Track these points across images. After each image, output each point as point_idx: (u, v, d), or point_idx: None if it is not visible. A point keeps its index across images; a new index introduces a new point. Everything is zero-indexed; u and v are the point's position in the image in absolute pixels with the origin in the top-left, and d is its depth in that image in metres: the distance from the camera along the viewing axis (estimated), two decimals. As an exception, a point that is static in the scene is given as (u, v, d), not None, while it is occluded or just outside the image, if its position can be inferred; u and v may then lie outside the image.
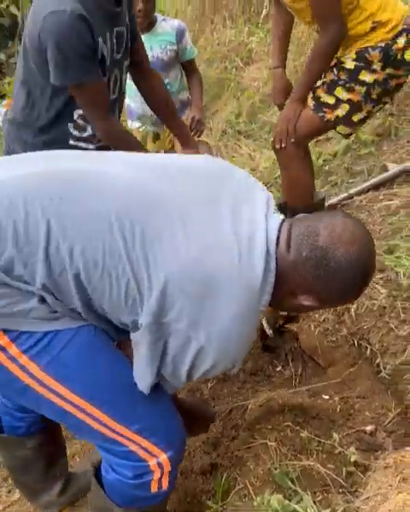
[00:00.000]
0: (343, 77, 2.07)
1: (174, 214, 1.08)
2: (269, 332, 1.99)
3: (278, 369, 2.04)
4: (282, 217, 1.20)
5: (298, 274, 1.11)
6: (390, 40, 2.01)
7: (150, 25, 2.46)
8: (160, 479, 1.24)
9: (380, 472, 1.43)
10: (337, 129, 2.22)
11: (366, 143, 3.18)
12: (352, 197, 2.77)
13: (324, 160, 3.23)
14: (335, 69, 2.12)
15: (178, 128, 2.12)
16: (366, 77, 2.04)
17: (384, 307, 1.93)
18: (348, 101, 2.09)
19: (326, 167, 3.21)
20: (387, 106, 3.11)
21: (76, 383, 1.14)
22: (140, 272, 1.06)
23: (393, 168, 2.82)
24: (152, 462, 1.21)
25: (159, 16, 2.55)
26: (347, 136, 2.33)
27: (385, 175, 2.80)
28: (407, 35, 2.03)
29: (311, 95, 2.15)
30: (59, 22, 1.52)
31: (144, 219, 1.07)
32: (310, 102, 2.14)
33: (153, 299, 1.05)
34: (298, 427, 1.66)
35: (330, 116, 2.13)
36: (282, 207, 2.43)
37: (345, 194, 2.78)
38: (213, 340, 1.08)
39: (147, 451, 1.20)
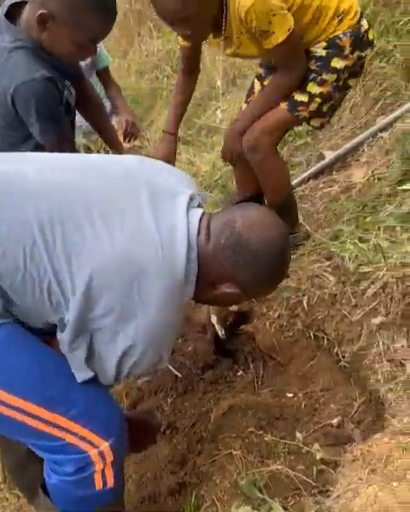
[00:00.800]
0: (314, 67, 2.03)
1: (94, 211, 1.10)
2: (221, 333, 1.92)
3: (239, 373, 1.96)
4: (201, 210, 1.23)
5: (219, 262, 1.17)
6: (357, 24, 2.01)
7: None
8: (102, 470, 1.18)
9: (348, 466, 1.37)
10: (311, 123, 2.20)
11: (301, 134, 3.16)
12: (294, 188, 2.73)
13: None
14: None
15: (111, 135, 2.20)
16: (339, 63, 2.03)
17: (335, 295, 1.88)
18: (320, 95, 2.07)
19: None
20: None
21: (2, 378, 1.10)
22: (62, 272, 1.07)
23: (329, 155, 2.80)
24: (92, 452, 1.15)
25: None
26: (319, 127, 2.27)
27: (323, 163, 2.77)
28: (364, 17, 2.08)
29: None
30: (33, 91, 1.63)
31: (65, 218, 1.08)
32: (283, 103, 2.08)
33: (78, 295, 1.07)
34: (262, 432, 1.58)
35: (305, 113, 2.09)
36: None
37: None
38: (139, 332, 1.09)
39: (86, 441, 1.15)
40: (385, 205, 2.17)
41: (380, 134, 2.70)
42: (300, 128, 3.20)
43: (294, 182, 2.77)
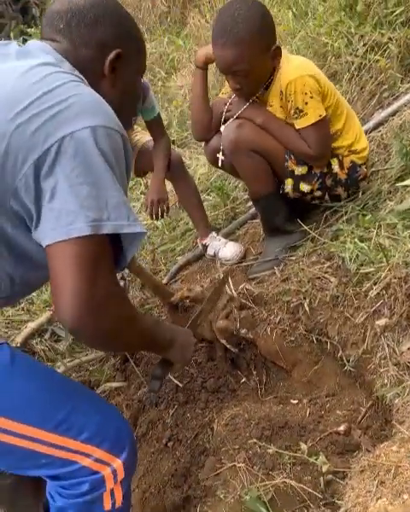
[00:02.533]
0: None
1: None
2: (234, 350, 1.87)
3: (241, 381, 1.91)
4: None
5: (81, 43, 1.15)
6: (360, 163, 2.15)
7: None
8: (112, 490, 1.15)
9: (357, 478, 1.31)
10: (286, 181, 2.15)
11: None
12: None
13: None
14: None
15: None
16: (328, 181, 2.13)
17: (337, 296, 1.82)
18: (310, 192, 2.14)
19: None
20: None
21: (8, 407, 1.05)
22: None
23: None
24: (106, 472, 1.13)
25: None
26: (288, 194, 2.20)
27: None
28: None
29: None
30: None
31: None
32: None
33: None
34: (266, 443, 1.52)
35: (291, 166, 2.10)
36: (259, 202, 2.29)
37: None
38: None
39: (100, 461, 1.13)
40: (385, 202, 2.11)
41: (377, 129, 2.64)
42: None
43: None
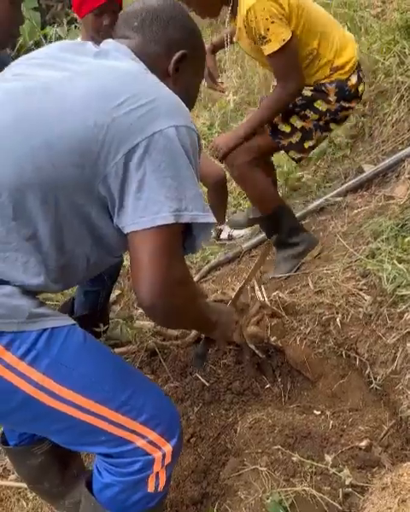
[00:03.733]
0: (298, 102, 2.21)
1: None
2: (262, 356, 1.91)
3: (266, 386, 1.95)
4: None
5: (150, 41, 1.23)
6: (346, 79, 2.21)
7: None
8: (157, 474, 1.20)
9: (377, 494, 1.35)
10: (289, 153, 2.35)
11: (341, 146, 3.13)
12: (329, 201, 2.71)
13: (299, 166, 3.17)
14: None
15: None
16: (321, 106, 2.22)
17: (370, 315, 1.86)
18: (302, 129, 2.26)
19: (302, 173, 3.15)
20: (359, 106, 3.10)
21: (81, 383, 1.11)
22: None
23: (369, 169, 2.76)
24: (157, 455, 1.18)
25: None
26: (298, 160, 2.42)
27: (362, 176, 2.74)
28: (358, 72, 2.27)
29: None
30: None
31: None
32: (267, 129, 2.27)
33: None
34: (289, 450, 1.57)
35: (284, 142, 2.28)
36: (262, 220, 2.49)
37: (322, 199, 2.72)
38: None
39: (152, 444, 1.18)
40: (426, 225, 2.14)
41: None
42: (339, 139, 3.18)
43: (331, 194, 2.75)
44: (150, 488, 1.21)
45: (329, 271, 2.17)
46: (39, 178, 1.05)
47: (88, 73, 1.12)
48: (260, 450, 1.61)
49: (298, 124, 2.26)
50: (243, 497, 1.48)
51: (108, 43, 1.25)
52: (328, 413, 1.79)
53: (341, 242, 2.29)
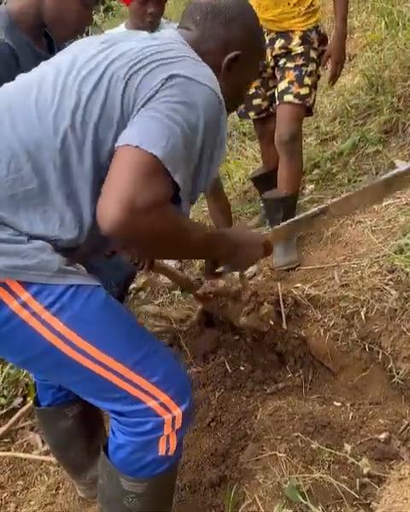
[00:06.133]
0: (300, 61, 2.50)
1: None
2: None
3: (287, 376, 1.97)
4: None
5: (209, 36, 1.25)
6: (317, 22, 2.54)
7: (156, 27, 2.45)
8: (168, 437, 1.23)
9: (395, 484, 1.37)
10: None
11: (373, 141, 3.11)
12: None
13: (330, 160, 3.16)
14: (288, 61, 2.52)
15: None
16: (312, 54, 2.52)
17: (395, 310, 1.87)
18: (313, 85, 2.57)
19: (333, 167, 3.14)
20: (393, 99, 3.10)
21: (99, 339, 1.13)
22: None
23: (401, 165, 2.74)
24: (167, 417, 1.20)
25: (162, 19, 2.53)
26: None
27: (393, 172, 2.72)
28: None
29: (290, 97, 2.50)
30: None
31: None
32: (294, 100, 2.49)
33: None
34: (308, 438, 1.59)
35: (310, 101, 2.54)
36: (285, 200, 2.57)
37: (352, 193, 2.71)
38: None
39: (163, 406, 1.20)
40: None
41: None
42: (371, 134, 3.17)
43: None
44: (161, 451, 1.23)
45: (356, 265, 2.18)
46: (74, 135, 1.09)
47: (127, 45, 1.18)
48: (279, 437, 1.63)
49: (309, 81, 2.51)
50: (261, 481, 1.51)
51: (166, 32, 1.29)
52: (348, 405, 1.80)
53: (369, 237, 2.29)
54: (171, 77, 1.08)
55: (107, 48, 1.17)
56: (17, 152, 1.08)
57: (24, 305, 1.07)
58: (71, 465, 1.75)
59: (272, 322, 1.96)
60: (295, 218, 1.60)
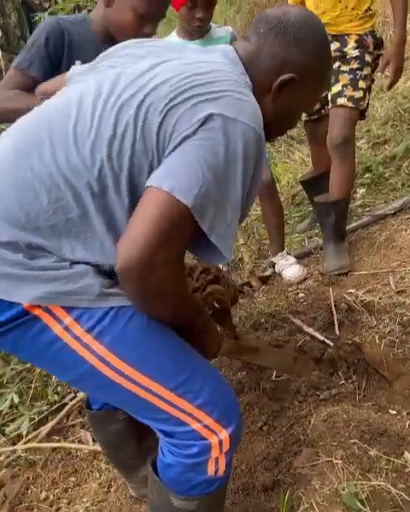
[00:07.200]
0: (355, 65, 2.53)
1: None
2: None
3: (340, 382, 1.96)
4: None
5: (266, 52, 1.20)
6: (373, 26, 2.57)
7: (205, 32, 2.47)
8: (216, 459, 1.22)
9: None
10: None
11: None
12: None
13: (382, 163, 3.12)
14: (343, 65, 2.55)
15: None
16: (368, 58, 2.54)
17: None
18: (368, 88, 2.59)
19: (385, 171, 3.10)
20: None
21: (140, 361, 1.13)
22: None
23: None
24: (213, 440, 1.19)
25: (212, 24, 2.55)
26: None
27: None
28: None
29: (344, 100, 2.52)
30: (42, 24, 1.81)
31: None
32: (348, 103, 2.52)
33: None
34: (366, 445, 1.57)
35: (364, 105, 2.56)
36: (337, 204, 2.56)
37: (407, 198, 2.67)
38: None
39: (208, 429, 1.19)
40: None
41: None
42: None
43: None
44: (210, 472, 1.23)
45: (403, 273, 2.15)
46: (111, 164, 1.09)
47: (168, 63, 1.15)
48: (335, 443, 1.62)
49: (364, 85, 2.54)
50: (317, 486, 1.50)
51: (219, 46, 1.27)
52: (404, 413, 1.77)
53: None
54: (210, 116, 1.05)
55: (154, 66, 1.14)
56: (57, 180, 1.08)
57: (67, 329, 1.08)
58: (122, 465, 1.77)
59: (216, 305, 1.74)
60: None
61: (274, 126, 1.24)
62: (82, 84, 1.19)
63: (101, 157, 1.07)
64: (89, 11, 1.91)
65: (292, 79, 1.20)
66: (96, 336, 1.10)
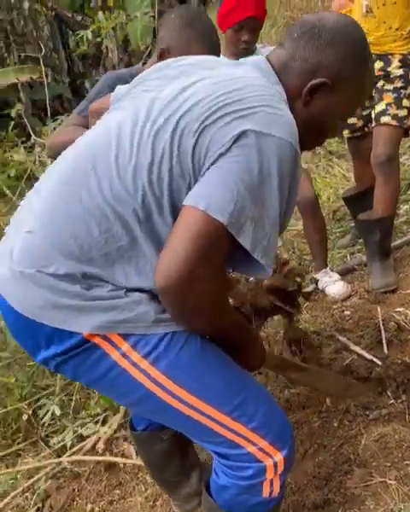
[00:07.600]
0: (399, 84, 2.55)
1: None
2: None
3: (390, 402, 1.93)
4: None
5: (299, 57, 1.18)
6: None
7: (251, 53, 2.51)
8: (271, 480, 1.23)
9: None
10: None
11: None
12: None
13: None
14: (387, 84, 2.57)
15: None
16: None
17: None
18: None
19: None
20: None
21: (195, 386, 1.15)
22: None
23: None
24: (268, 463, 1.20)
25: (258, 45, 2.59)
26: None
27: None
28: None
29: (388, 118, 2.54)
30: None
31: None
32: (392, 121, 2.53)
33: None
34: (419, 466, 1.55)
35: (408, 123, 2.57)
36: (381, 222, 2.56)
37: None
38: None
39: (263, 451, 1.20)
40: None
41: None
42: None
43: None
44: (265, 494, 1.23)
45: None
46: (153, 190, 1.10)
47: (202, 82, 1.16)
48: (388, 464, 1.61)
49: (408, 104, 2.55)
50: (371, 507, 1.49)
51: (252, 57, 1.28)
52: None
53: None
54: (243, 133, 1.05)
55: (187, 88, 1.14)
56: (105, 210, 1.10)
57: (124, 355, 1.11)
58: (165, 483, 1.78)
59: (298, 280, 1.86)
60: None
61: (308, 134, 1.21)
62: (119, 112, 1.21)
63: (142, 183, 1.09)
64: (143, 64, 1.97)
65: (324, 84, 1.17)
66: (152, 362, 1.12)
